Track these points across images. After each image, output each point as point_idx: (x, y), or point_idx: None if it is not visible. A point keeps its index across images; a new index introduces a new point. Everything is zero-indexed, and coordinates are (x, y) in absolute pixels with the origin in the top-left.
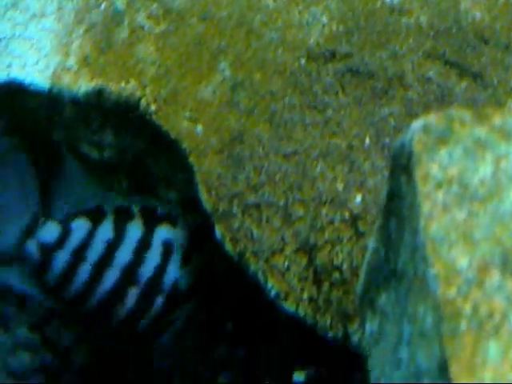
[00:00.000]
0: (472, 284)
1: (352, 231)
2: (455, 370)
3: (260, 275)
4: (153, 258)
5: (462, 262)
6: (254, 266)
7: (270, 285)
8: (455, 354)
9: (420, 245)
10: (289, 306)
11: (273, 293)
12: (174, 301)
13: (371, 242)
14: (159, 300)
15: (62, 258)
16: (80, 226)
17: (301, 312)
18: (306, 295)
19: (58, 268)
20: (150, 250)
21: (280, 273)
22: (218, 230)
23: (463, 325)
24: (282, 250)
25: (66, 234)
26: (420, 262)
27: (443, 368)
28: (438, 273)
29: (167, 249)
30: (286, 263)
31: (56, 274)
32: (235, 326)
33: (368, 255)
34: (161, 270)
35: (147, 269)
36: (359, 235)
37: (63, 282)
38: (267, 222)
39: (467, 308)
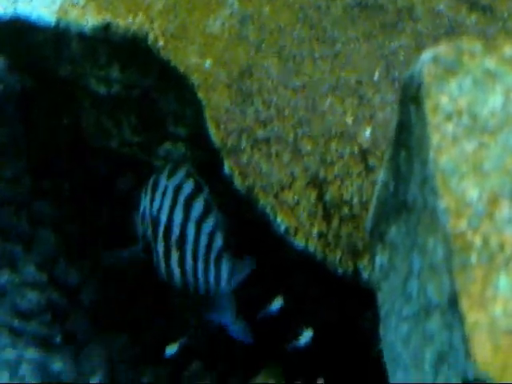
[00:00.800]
0: (482, 216)
1: (362, 166)
2: (465, 304)
3: (269, 210)
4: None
5: (472, 194)
6: (263, 201)
7: (279, 220)
8: (465, 287)
9: (429, 177)
10: (298, 241)
11: (282, 228)
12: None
13: (381, 175)
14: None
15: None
16: None
17: (310, 248)
18: (315, 230)
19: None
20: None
21: (289, 208)
22: (227, 165)
23: (473, 258)
24: (291, 185)
25: None
26: (430, 194)
27: (453, 302)
28: (447, 205)
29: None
30: (296, 198)
31: None
32: None
33: (377, 188)
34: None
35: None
36: (369, 169)
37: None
38: (276, 156)
39: (477, 241)
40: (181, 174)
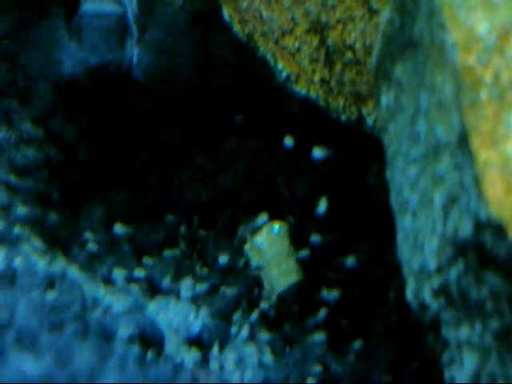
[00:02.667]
0: (492, 51)
1: (365, 9)
2: (476, 143)
3: (270, 57)
4: None
5: (482, 28)
6: (264, 47)
7: (280, 66)
8: (476, 125)
9: (437, 10)
10: (300, 88)
11: (283, 75)
12: None
13: (385, 12)
14: None
15: None
16: None
17: (312, 94)
18: (317, 77)
19: None
20: None
21: (290, 54)
22: (226, 12)
23: (484, 94)
24: (292, 31)
25: None
26: (437, 28)
27: (463, 140)
28: (456, 39)
29: None
30: (297, 44)
31: None
32: (245, 117)
33: (382, 26)
34: None
35: None
36: (372, 13)
37: None
38: (276, 1)
39: (488, 76)
40: None
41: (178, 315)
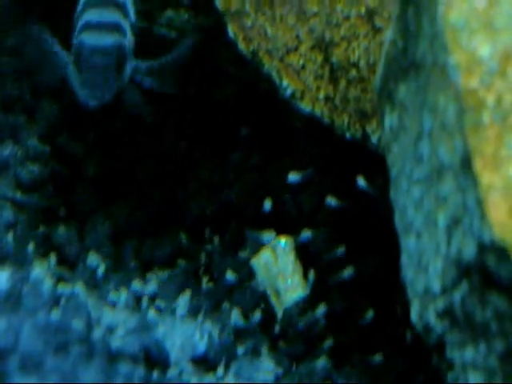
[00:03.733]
0: (495, 74)
1: (369, 26)
2: (479, 165)
3: (274, 74)
4: None
5: (484, 50)
6: (269, 64)
7: (285, 83)
8: (478, 147)
9: (439, 33)
10: (305, 105)
11: (288, 92)
12: None
13: (389, 34)
14: None
15: None
16: None
17: (317, 111)
18: (322, 94)
19: None
20: None
21: (295, 71)
22: (231, 29)
23: (486, 117)
24: (296, 48)
25: None
26: (439, 50)
27: (466, 162)
28: (458, 62)
29: None
30: (301, 61)
31: None
32: (250, 131)
33: (386, 47)
34: None
35: None
36: (376, 31)
37: None
38: (281, 19)
39: (490, 99)
40: None
41: (183, 333)
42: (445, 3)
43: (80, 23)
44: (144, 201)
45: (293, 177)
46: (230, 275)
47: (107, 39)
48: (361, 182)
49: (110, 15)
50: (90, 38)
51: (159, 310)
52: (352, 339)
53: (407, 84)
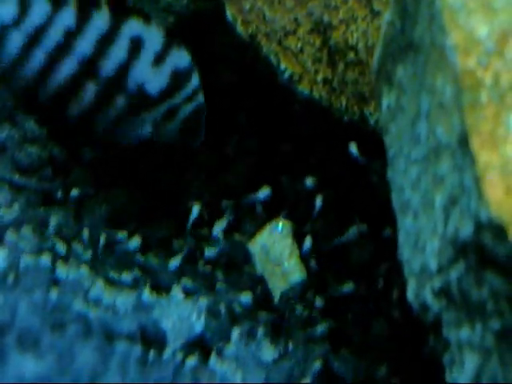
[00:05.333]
0: (492, 54)
1: (367, 10)
2: (476, 144)
3: (273, 57)
4: (117, 53)
5: (482, 30)
6: (267, 47)
7: (283, 67)
8: (476, 126)
9: (437, 13)
10: (303, 88)
11: (286, 75)
12: (139, 104)
13: (387, 15)
14: (120, 100)
15: (16, 38)
16: (40, 8)
17: (315, 94)
18: (320, 77)
19: (12, 49)
20: (115, 43)
21: (293, 54)
22: (229, 12)
23: (484, 96)
24: (295, 31)
25: (23, 13)
26: (437, 31)
27: (463, 141)
28: (456, 42)
29: (136, 45)
30: (300, 44)
31: (9, 56)
32: (248, 117)
33: (383, 28)
34: (125, 67)
35: (109, 64)
36: (374, 14)
37: (15, 65)
38: (279, 2)
39: (488, 78)
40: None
41: (179, 315)
42: None
43: None
44: (141, 186)
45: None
46: (226, 259)
47: None
48: (353, 149)
49: None
50: None
51: (156, 291)
52: (350, 323)
53: (405, 65)
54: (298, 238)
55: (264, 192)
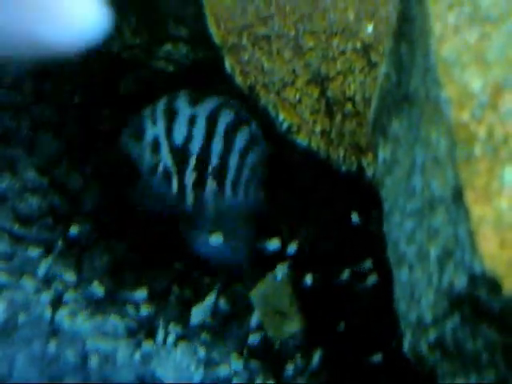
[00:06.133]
0: (486, 107)
1: (364, 61)
2: (470, 198)
3: (271, 108)
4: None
5: (475, 84)
6: (265, 98)
7: (281, 117)
8: (470, 180)
9: (431, 67)
10: (301, 139)
11: (285, 126)
12: None
13: (382, 68)
14: None
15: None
16: None
17: (313, 145)
18: (318, 128)
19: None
20: None
21: (291, 105)
22: (228, 63)
23: (478, 150)
24: (293, 82)
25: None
26: (432, 85)
27: (458, 195)
28: (450, 95)
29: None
30: (298, 95)
31: None
32: None
33: (379, 81)
34: None
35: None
36: (371, 65)
37: None
38: (278, 53)
39: (482, 132)
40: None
41: (178, 365)
42: (437, 38)
43: None
44: (141, 237)
45: None
46: (226, 306)
47: None
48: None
49: None
50: None
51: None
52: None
53: (400, 118)
54: (298, 285)
55: (274, 244)
